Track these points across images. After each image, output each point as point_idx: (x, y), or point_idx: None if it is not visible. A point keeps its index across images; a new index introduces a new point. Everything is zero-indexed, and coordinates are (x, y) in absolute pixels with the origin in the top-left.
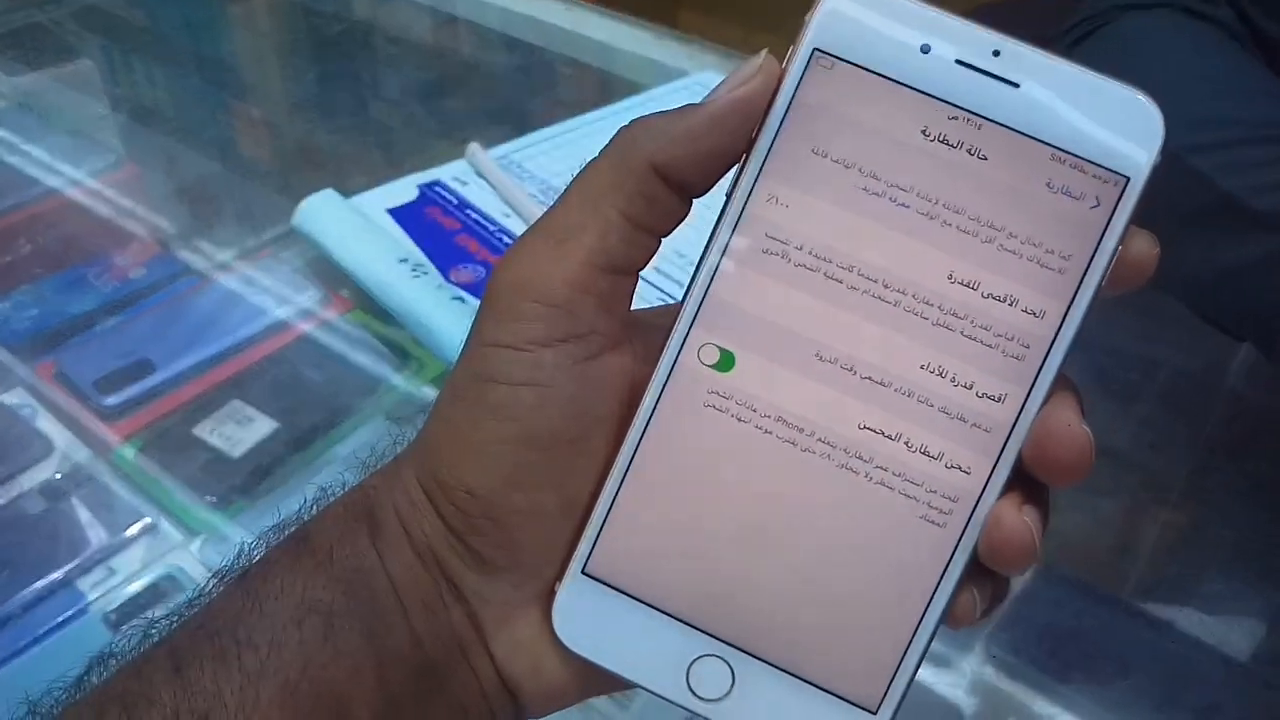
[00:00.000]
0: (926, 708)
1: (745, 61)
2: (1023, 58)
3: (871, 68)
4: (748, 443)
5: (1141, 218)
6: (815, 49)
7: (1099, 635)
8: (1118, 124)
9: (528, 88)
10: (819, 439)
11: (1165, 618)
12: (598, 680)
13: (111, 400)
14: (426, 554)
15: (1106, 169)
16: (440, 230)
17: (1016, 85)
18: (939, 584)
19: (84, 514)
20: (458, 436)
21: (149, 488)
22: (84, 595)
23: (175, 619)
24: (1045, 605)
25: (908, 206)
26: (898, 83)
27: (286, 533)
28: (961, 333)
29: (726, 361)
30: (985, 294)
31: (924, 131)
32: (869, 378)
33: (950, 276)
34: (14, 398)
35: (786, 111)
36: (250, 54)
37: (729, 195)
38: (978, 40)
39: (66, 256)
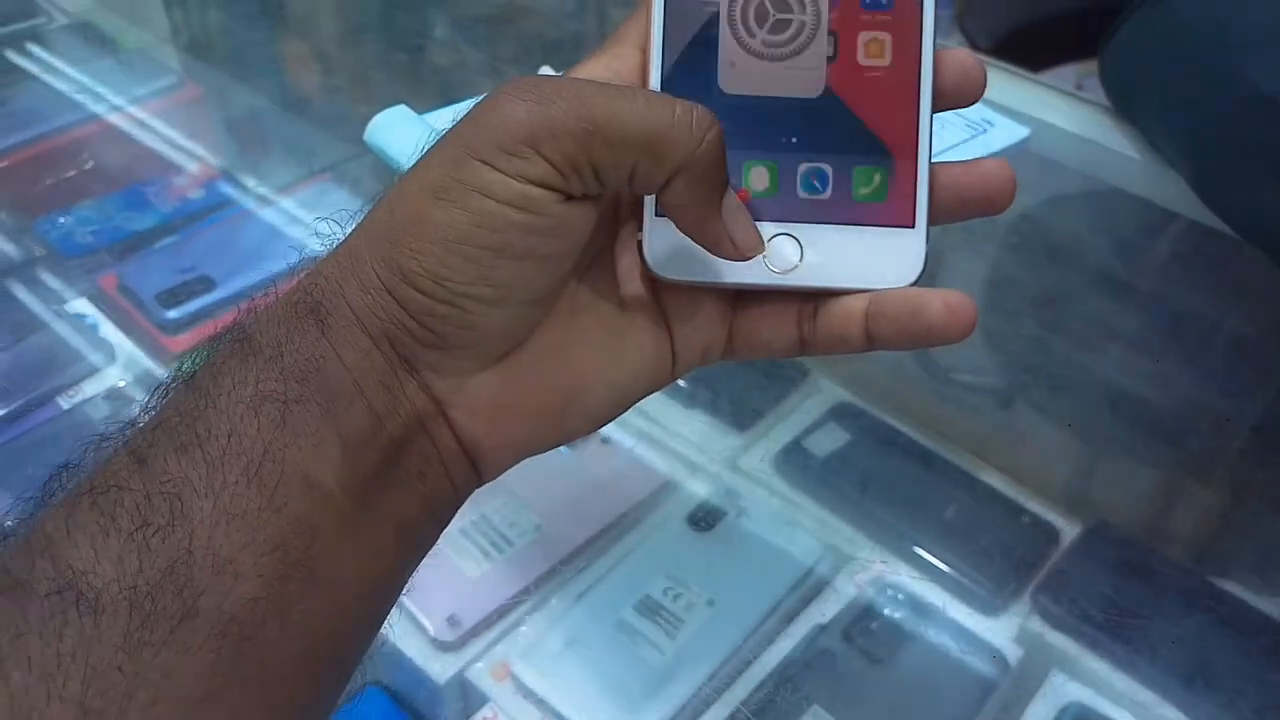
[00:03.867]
0: (973, 654)
1: None
2: None
3: None
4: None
5: (1232, 163)
6: None
7: (1144, 591)
8: None
9: (588, 13)
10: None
11: (1216, 579)
12: (554, 434)
13: (173, 314)
14: (380, 337)
15: None
16: None
17: None
18: (918, 117)
19: None
20: (432, 232)
21: None
22: None
23: (127, 427)
24: (1096, 561)
25: None
26: None
27: (226, 339)
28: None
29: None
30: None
31: None
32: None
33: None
34: (78, 307)
35: None
36: None
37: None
38: None
39: (127, 174)
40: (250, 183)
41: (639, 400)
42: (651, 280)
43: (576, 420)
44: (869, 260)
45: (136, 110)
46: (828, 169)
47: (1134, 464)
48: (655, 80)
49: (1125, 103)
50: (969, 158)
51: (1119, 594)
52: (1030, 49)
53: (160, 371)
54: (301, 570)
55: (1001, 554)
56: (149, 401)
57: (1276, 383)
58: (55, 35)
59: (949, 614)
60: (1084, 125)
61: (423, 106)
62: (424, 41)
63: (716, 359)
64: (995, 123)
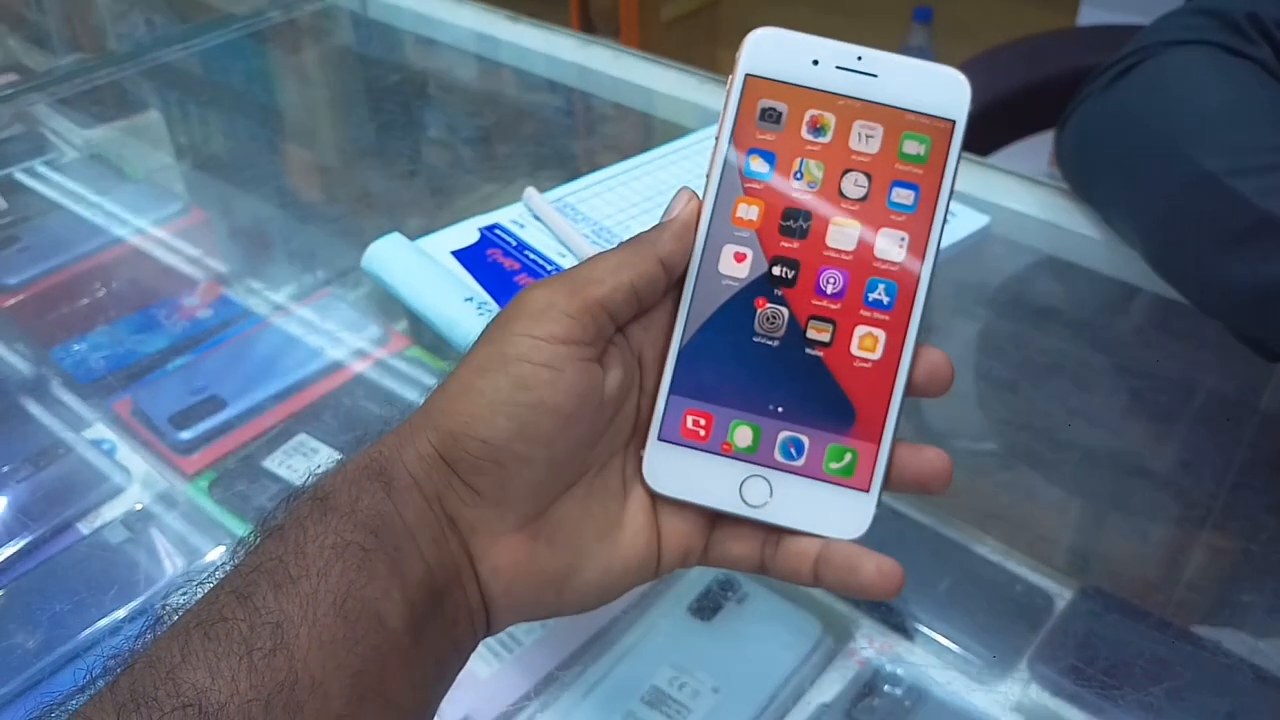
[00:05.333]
0: None
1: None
2: (877, 58)
3: (783, 79)
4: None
5: (1181, 237)
6: (746, 74)
7: (1140, 652)
8: (942, 90)
9: (574, 132)
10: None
11: (1206, 635)
12: (550, 605)
13: (186, 435)
14: (433, 498)
15: (941, 118)
16: (501, 270)
17: (875, 76)
18: (890, 404)
19: (162, 543)
20: (480, 399)
21: (222, 517)
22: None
23: (220, 572)
24: (1087, 623)
25: (824, 150)
26: (801, 86)
27: (302, 498)
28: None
29: None
30: (888, 189)
31: (823, 112)
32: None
33: (857, 183)
34: (94, 433)
35: (735, 120)
36: (310, 104)
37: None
38: (846, 51)
39: (138, 298)
40: (256, 301)
41: (624, 592)
42: (650, 492)
43: (570, 597)
44: (826, 512)
45: (145, 237)
46: (805, 440)
47: (1118, 525)
48: (678, 334)
49: (1081, 185)
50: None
51: (1115, 656)
52: (1006, 120)
53: (176, 492)
54: (374, 693)
55: (997, 624)
56: (236, 551)
57: (1248, 440)
58: (66, 169)
59: (949, 687)
60: (1043, 208)
61: (417, 225)
62: (416, 166)
63: (694, 564)
64: (956, 213)
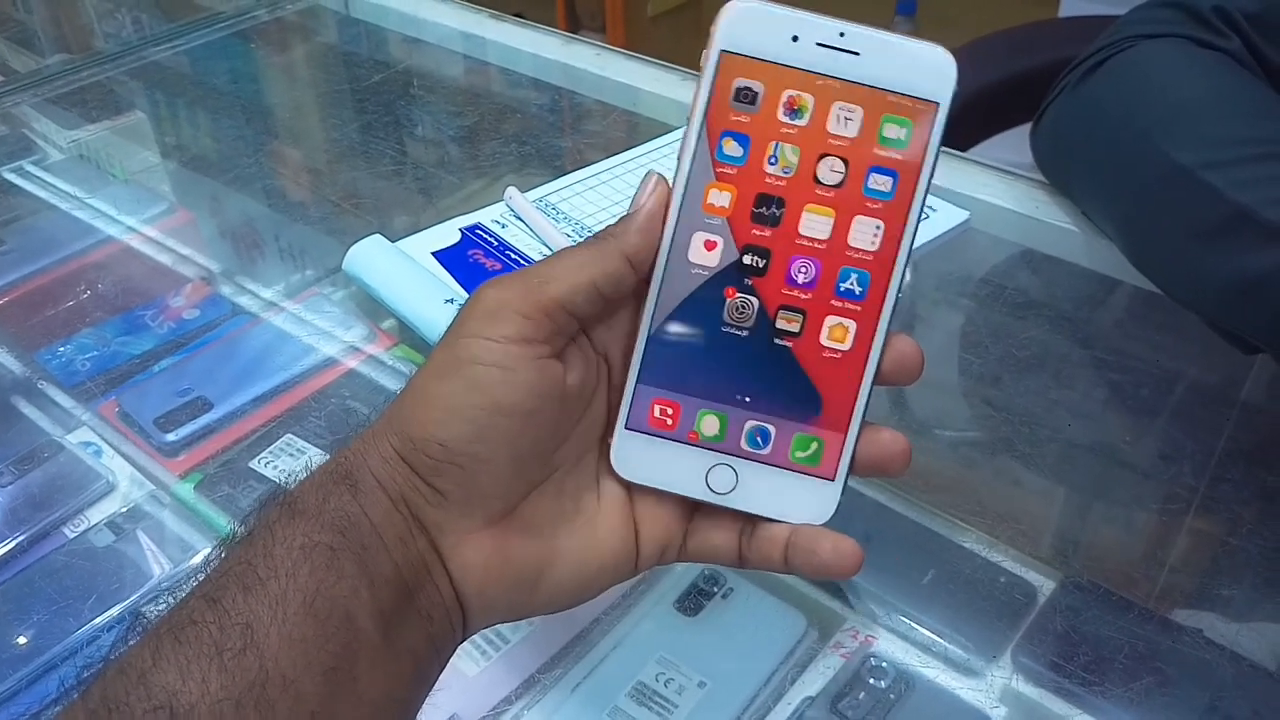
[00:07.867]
0: (955, 716)
1: (642, 183)
2: (860, 35)
3: (760, 56)
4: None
5: (1156, 231)
6: (722, 50)
7: (1122, 644)
8: (927, 70)
9: (558, 130)
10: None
11: (1187, 625)
12: (526, 604)
13: (171, 437)
14: (398, 499)
15: (924, 99)
16: (482, 271)
17: (858, 54)
18: (857, 394)
19: (149, 546)
20: (437, 404)
21: (209, 519)
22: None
23: (192, 579)
24: (1070, 615)
25: (800, 134)
26: (779, 64)
27: (273, 504)
28: (849, 202)
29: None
30: (865, 176)
31: (801, 92)
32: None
33: (834, 169)
34: (80, 436)
35: (709, 100)
36: (294, 104)
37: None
38: (827, 27)
39: (124, 300)
40: (242, 301)
41: (602, 590)
42: (619, 481)
43: (544, 596)
44: (792, 499)
45: (131, 237)
46: (772, 429)
47: (1100, 517)
48: (646, 323)
49: (1058, 180)
50: (917, 244)
51: (1098, 647)
52: (988, 112)
53: (162, 494)
54: (346, 690)
55: (981, 616)
56: (209, 558)
57: (1228, 433)
58: (51, 170)
59: (933, 679)
60: (1021, 202)
61: (403, 224)
62: (401, 164)
63: (673, 559)
64: (937, 208)
